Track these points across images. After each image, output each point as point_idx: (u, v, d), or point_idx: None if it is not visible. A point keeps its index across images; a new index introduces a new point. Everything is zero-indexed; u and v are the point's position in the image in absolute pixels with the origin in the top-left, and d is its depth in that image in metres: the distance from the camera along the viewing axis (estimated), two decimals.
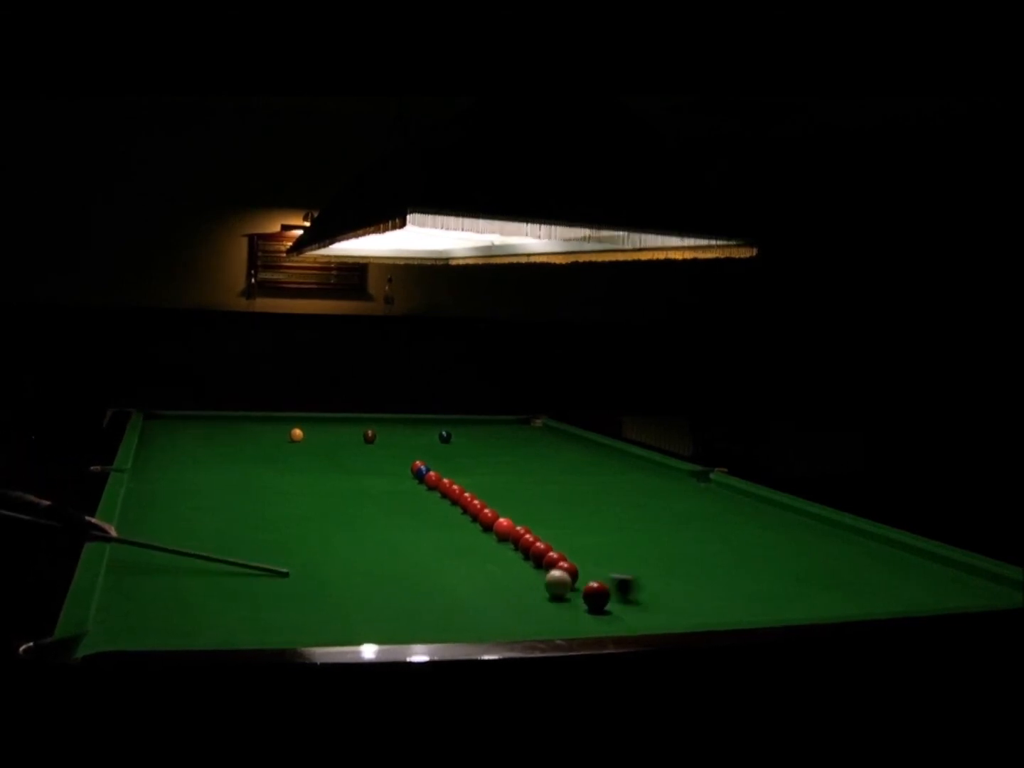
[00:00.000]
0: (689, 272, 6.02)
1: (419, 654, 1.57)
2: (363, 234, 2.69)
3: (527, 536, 2.34)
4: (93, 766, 1.39)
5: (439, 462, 3.39)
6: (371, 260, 4.28)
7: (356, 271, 6.58)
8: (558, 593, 1.99)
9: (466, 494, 2.85)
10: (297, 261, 5.56)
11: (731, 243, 2.47)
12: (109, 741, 1.39)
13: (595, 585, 1.94)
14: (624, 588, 1.97)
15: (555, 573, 2.02)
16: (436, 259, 4.16)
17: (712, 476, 3.37)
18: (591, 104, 2.48)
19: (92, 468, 3.00)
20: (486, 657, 1.58)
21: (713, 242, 2.47)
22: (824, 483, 3.69)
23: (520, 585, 2.11)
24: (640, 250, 2.67)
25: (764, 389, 6.99)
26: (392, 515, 2.80)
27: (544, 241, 2.98)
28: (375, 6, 3.81)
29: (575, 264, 3.09)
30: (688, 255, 2.60)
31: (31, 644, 1.46)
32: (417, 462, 3.34)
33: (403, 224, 2.17)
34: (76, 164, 6.06)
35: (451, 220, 2.17)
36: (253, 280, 6.46)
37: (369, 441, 4.09)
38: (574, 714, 1.56)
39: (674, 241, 2.54)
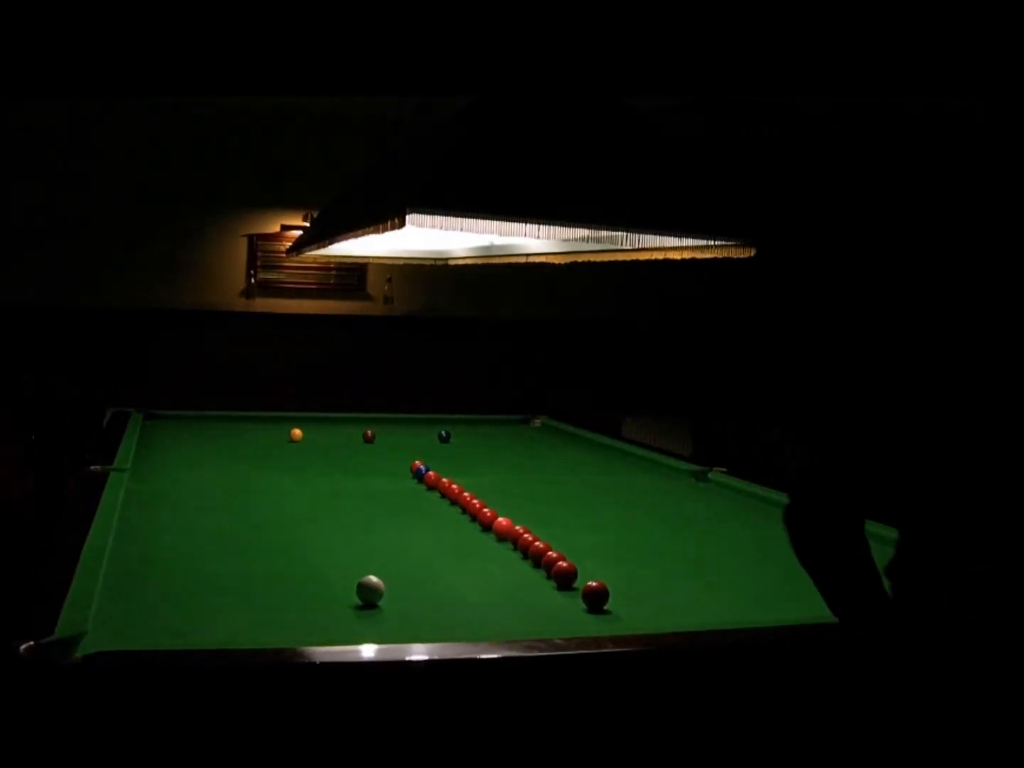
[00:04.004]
0: (689, 272, 6.05)
1: (418, 653, 1.57)
2: (363, 234, 2.69)
3: (526, 535, 2.34)
4: (93, 766, 1.40)
5: (438, 462, 3.39)
6: (371, 260, 4.28)
7: (355, 271, 6.57)
8: (368, 599, 1.89)
9: (465, 494, 2.85)
10: (297, 261, 5.56)
11: (729, 243, 2.47)
12: (109, 741, 1.39)
13: (594, 584, 1.94)
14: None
15: (371, 578, 1.91)
16: (435, 259, 4.16)
17: (711, 476, 3.37)
18: (591, 104, 2.48)
19: (92, 468, 3.00)
20: (485, 656, 1.58)
21: (711, 242, 2.48)
22: None
23: (519, 584, 2.11)
24: (639, 250, 2.67)
25: (764, 389, 6.99)
26: (391, 515, 2.80)
27: (543, 241, 2.98)
28: (374, 5, 3.81)
29: (574, 264, 3.10)
30: (687, 255, 2.60)
31: (31, 644, 1.46)
32: (416, 462, 3.35)
33: (402, 224, 2.17)
34: (76, 164, 6.06)
35: (450, 220, 2.17)
36: (253, 280, 6.45)
37: (369, 441, 4.09)
38: (573, 713, 1.56)
39: (673, 241, 2.54)
